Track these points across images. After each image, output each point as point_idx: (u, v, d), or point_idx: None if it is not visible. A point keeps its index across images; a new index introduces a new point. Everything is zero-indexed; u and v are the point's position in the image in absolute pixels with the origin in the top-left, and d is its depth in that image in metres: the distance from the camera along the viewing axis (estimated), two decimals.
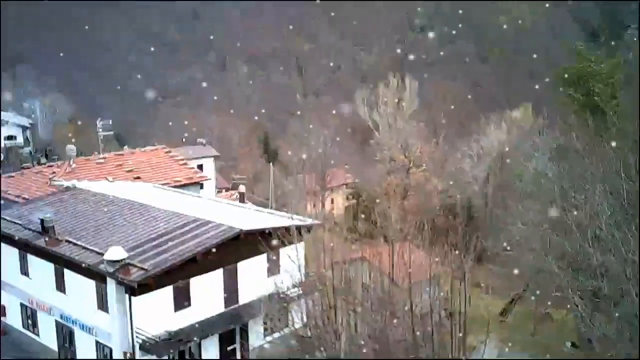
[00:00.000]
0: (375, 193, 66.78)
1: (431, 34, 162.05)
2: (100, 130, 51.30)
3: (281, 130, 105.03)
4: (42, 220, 26.61)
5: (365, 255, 44.91)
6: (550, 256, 36.60)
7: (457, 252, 66.77)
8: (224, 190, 75.14)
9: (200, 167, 72.43)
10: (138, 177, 36.54)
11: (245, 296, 27.22)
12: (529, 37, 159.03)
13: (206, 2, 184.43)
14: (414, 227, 68.16)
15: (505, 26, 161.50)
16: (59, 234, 26.66)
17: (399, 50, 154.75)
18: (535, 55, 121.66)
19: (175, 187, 36.70)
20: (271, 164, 68.06)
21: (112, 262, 23.68)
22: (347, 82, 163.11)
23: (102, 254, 24.31)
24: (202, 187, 73.55)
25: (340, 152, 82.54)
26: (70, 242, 26.08)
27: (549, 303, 42.21)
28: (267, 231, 26.60)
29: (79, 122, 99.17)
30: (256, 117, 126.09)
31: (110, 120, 63.70)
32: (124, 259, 23.80)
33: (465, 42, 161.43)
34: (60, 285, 26.45)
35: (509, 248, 44.37)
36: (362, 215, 64.97)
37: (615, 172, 26.36)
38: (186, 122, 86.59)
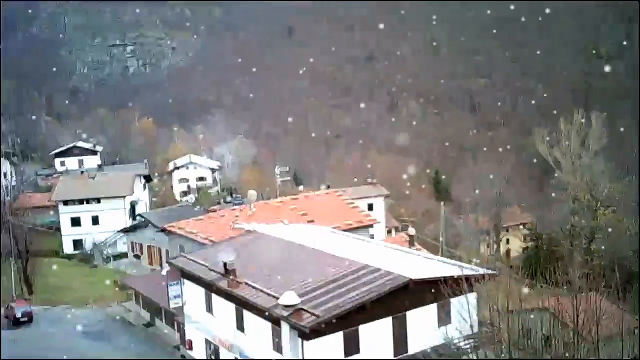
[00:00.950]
0: (557, 235, 62.15)
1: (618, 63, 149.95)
2: (278, 175, 54.05)
3: (454, 168, 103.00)
4: (225, 264, 28.56)
5: (545, 304, 41.74)
6: None
7: None
8: (393, 230, 75.30)
9: (370, 205, 73.69)
10: (311, 220, 37.83)
11: (414, 346, 26.60)
12: None
13: (381, 43, 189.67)
14: (602, 273, 62.14)
15: None
16: (240, 277, 28.38)
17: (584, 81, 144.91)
18: None
19: (346, 230, 37.38)
20: (442, 203, 66.71)
21: (286, 307, 24.55)
22: (524, 117, 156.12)
23: (277, 298, 25.34)
24: (372, 226, 74.57)
25: (516, 191, 78.67)
26: (249, 284, 27.60)
27: None
28: (437, 280, 25.87)
29: (259, 165, 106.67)
30: (426, 157, 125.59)
31: (288, 167, 67.23)
32: (297, 304, 24.56)
33: None
34: (240, 325, 28.04)
35: None
36: (542, 259, 60.75)
37: None
38: (357, 162, 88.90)
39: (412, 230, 43.68)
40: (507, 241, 79.06)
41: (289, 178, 67.18)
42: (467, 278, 26.76)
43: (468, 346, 26.87)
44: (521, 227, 79.63)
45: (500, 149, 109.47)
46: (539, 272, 61.87)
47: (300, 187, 78.23)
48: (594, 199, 59.55)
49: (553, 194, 63.30)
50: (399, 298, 25.75)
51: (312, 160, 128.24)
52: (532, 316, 41.07)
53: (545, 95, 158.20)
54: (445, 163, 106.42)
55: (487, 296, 32.53)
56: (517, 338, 41.40)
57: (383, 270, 26.76)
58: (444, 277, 26.12)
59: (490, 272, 28.55)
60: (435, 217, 72.36)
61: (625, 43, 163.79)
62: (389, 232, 74.04)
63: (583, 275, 63.30)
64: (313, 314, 24.11)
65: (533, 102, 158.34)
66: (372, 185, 75.32)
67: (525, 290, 58.46)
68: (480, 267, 29.65)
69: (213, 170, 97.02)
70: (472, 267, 28.92)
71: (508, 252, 78.96)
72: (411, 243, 42.58)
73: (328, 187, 74.76)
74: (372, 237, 72.29)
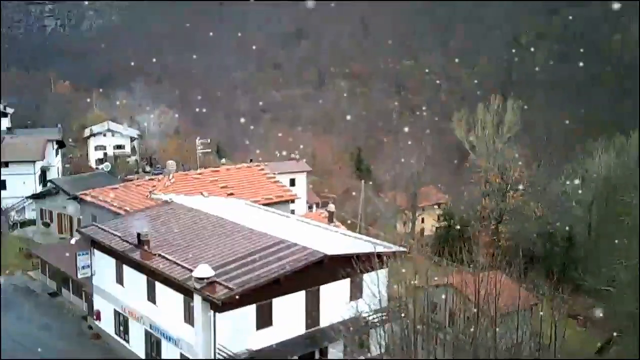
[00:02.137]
0: (468, 216, 64.78)
1: (539, 53, 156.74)
2: (199, 147, 53.19)
3: (376, 147, 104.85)
4: (138, 235, 27.94)
5: (452, 281, 43.67)
6: None
7: (552, 281, 63.26)
8: (314, 206, 76.03)
9: (292, 181, 73.97)
10: (231, 194, 37.57)
11: (326, 319, 27.14)
12: None
13: (312, 22, 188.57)
14: (507, 253, 65.53)
15: (619, 46, 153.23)
16: (153, 248, 27.86)
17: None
18: None
19: (266, 204, 37.39)
20: (362, 182, 67.97)
21: (200, 280, 24.38)
22: (447, 100, 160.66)
23: (191, 270, 25.11)
24: (292, 201, 74.83)
25: (434, 172, 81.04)
26: (162, 256, 27.15)
27: None
28: (351, 256, 26.44)
29: (182, 136, 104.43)
30: (351, 136, 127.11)
31: (209, 140, 66.14)
32: (211, 276, 24.44)
33: (575, 61, 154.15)
34: (151, 297, 27.61)
35: (610, 287, 41.57)
36: (452, 239, 63.23)
37: None
38: (281, 136, 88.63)
39: (331, 207, 44.24)
40: (422, 220, 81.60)
41: (209, 150, 66.17)
42: (380, 255, 27.51)
43: (377, 320, 27.70)
44: (436, 207, 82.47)
45: (421, 131, 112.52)
46: (448, 251, 64.66)
47: (223, 160, 77.55)
48: (504, 182, 62.35)
49: (470, 178, 65.78)
50: (314, 273, 26.13)
51: (237, 134, 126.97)
52: (438, 292, 43.04)
53: (471, 80, 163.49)
54: (368, 142, 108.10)
55: (396, 273, 33.63)
56: (423, 312, 43.19)
57: (299, 245, 27.02)
58: (358, 254, 26.73)
59: (401, 249, 29.42)
60: (355, 196, 73.64)
61: (544, 32, 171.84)
62: (310, 207, 74.71)
63: (488, 254, 66.52)
64: (227, 287, 24.08)
65: (456, 87, 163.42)
66: (295, 161, 75.63)
67: (433, 267, 60.92)
68: (393, 245, 30.48)
69: (132, 139, 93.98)
70: (385, 244, 29.72)
71: (422, 230, 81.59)
72: (330, 219, 43.18)
73: (251, 161, 74.47)
74: (292, 212, 72.72)
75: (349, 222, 73.30)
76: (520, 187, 60.43)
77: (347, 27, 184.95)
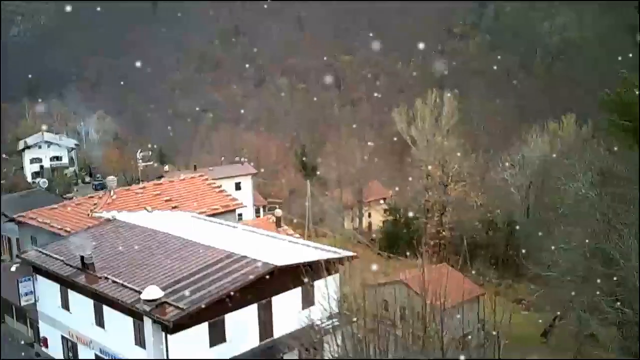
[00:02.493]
0: (413, 209, 66.22)
1: (471, 43, 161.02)
2: (140, 160, 52.15)
3: (320, 144, 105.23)
4: (82, 257, 27.28)
5: (402, 277, 44.62)
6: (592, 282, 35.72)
7: (495, 268, 65.58)
8: (261, 209, 75.85)
9: (238, 184, 73.57)
10: (176, 207, 37.11)
11: (280, 330, 27.27)
12: (575, 44, 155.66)
13: (249, 19, 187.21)
14: (452, 243, 67.54)
15: (549, 34, 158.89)
16: (99, 270, 27.26)
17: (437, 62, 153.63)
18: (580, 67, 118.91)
19: (212, 215, 37.13)
20: (308, 181, 68.31)
21: (149, 302, 24.04)
22: (386, 93, 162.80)
23: (140, 292, 24.73)
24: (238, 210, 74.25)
25: (378, 167, 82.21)
26: (109, 279, 26.62)
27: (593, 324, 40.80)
28: (301, 265, 26.64)
29: (122, 142, 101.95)
30: (294, 133, 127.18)
31: (150, 152, 65.02)
32: (160, 298, 24.14)
33: (507, 50, 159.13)
34: (100, 321, 27.03)
35: (550, 271, 43.27)
36: (399, 232, 64.54)
37: None
38: (225, 139, 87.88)
39: (278, 212, 44.33)
40: (369, 215, 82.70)
41: (151, 163, 64.94)
42: (329, 261, 27.84)
43: (330, 326, 28.03)
44: (382, 201, 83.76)
45: (363, 126, 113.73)
46: (397, 245, 66.01)
47: (166, 168, 76.15)
48: (445, 175, 64.07)
49: (410, 170, 67.16)
50: (264, 285, 26.16)
51: (178, 136, 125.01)
52: (389, 290, 43.89)
53: (409, 74, 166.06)
54: (312, 139, 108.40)
55: (349, 276, 34.12)
56: (376, 310, 43.97)
57: (248, 258, 26.98)
58: (308, 262, 26.98)
59: (350, 254, 29.83)
60: (302, 194, 73.96)
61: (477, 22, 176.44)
62: (257, 211, 74.57)
63: (435, 245, 68.26)
64: (177, 307, 23.83)
65: (394, 80, 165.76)
66: (240, 164, 75.21)
67: (383, 261, 61.95)
68: (342, 250, 30.87)
69: (70, 149, 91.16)
70: (334, 250, 30.03)
71: (370, 224, 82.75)
72: (278, 224, 43.28)
73: (195, 167, 73.60)
74: (240, 216, 72.40)
75: (295, 221, 73.63)
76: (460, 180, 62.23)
77: (283, 25, 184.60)
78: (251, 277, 25.57)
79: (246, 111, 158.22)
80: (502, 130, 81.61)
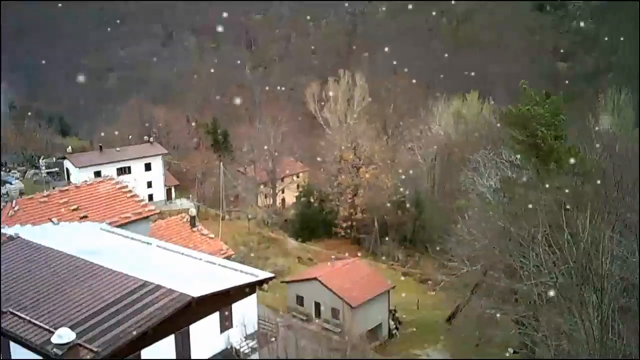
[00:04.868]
0: (326, 193, 67.23)
1: (382, 8, 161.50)
2: (43, 168, 49.29)
3: (232, 115, 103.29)
4: None
5: (316, 274, 45.77)
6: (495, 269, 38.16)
7: (404, 247, 67.87)
8: (172, 189, 74.03)
9: (148, 165, 71.41)
10: (85, 216, 35.64)
11: (198, 357, 27.33)
12: (477, 8, 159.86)
13: None
14: (364, 224, 69.21)
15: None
16: (3, 302, 25.93)
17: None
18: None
19: (124, 224, 36.05)
20: (221, 163, 67.31)
21: (60, 345, 23.26)
22: (299, 54, 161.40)
23: (49, 330, 23.85)
24: (150, 185, 72.15)
25: (291, 143, 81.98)
26: (14, 314, 25.42)
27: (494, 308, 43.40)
28: (219, 293, 26.67)
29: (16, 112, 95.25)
30: (204, 102, 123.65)
31: (45, 162, 61.34)
32: (72, 340, 23.41)
33: (416, 16, 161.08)
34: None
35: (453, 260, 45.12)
36: (313, 214, 65.60)
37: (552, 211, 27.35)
38: (133, 113, 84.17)
39: (192, 211, 43.68)
40: (283, 191, 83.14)
41: (55, 175, 61.18)
42: (247, 286, 28.04)
43: (248, 349, 28.46)
44: (295, 177, 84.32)
45: (275, 93, 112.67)
46: (311, 228, 66.86)
47: (69, 149, 71.65)
48: (357, 157, 65.23)
49: (324, 153, 67.74)
50: (181, 316, 25.99)
51: (82, 101, 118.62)
52: (305, 286, 45.01)
53: (321, 34, 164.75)
54: (224, 110, 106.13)
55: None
56: (294, 306, 45.03)
57: (164, 288, 26.56)
58: (227, 289, 27.02)
59: (268, 276, 30.04)
60: (215, 172, 72.84)
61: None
62: (169, 191, 72.91)
63: (347, 227, 69.62)
64: (91, 350, 23.26)
65: (306, 41, 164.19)
66: (149, 144, 72.78)
67: (298, 248, 62.38)
68: (260, 271, 31.02)
69: None
70: (252, 272, 30.07)
71: (284, 200, 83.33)
72: (192, 224, 42.76)
73: (101, 147, 70.47)
74: (150, 196, 70.26)
75: (211, 203, 72.77)
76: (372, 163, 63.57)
77: None
78: (168, 312, 25.28)
79: (154, 72, 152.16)
80: (409, 103, 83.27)
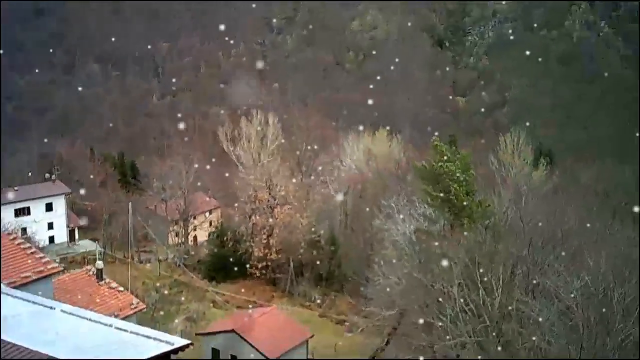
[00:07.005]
0: (240, 232, 66.12)
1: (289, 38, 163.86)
2: None
3: (141, 148, 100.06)
4: None
5: (232, 325, 44.60)
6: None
7: (320, 286, 67.33)
8: (76, 230, 70.04)
9: (49, 205, 67.45)
10: None
11: None
12: (382, 44, 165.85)
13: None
14: (279, 265, 68.23)
15: (359, 31, 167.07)
16: None
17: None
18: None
19: (23, 284, 33.48)
20: (130, 204, 64.59)
21: None
22: (208, 84, 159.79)
23: None
24: (51, 226, 68.12)
25: (205, 178, 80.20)
26: None
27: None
28: None
29: None
30: (112, 129, 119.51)
31: None
32: None
33: (321, 47, 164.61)
34: None
35: (370, 305, 45.44)
36: (227, 256, 64.16)
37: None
38: (32, 151, 79.43)
39: (99, 264, 41.22)
40: (195, 228, 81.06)
41: None
42: (164, 355, 26.72)
43: None
44: (207, 214, 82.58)
45: (186, 120, 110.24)
46: (224, 269, 65.39)
47: None
48: (272, 197, 64.71)
49: (238, 193, 66.83)
50: None
51: None
52: (221, 338, 43.67)
53: (230, 64, 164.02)
54: (132, 141, 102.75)
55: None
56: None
57: None
58: None
59: (185, 342, 28.76)
60: (124, 210, 69.59)
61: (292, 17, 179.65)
62: (72, 232, 69.02)
63: (262, 267, 68.35)
64: None
65: (215, 71, 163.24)
66: (52, 183, 68.80)
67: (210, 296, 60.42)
68: (176, 337, 29.64)
69: None
70: (167, 340, 28.63)
71: (195, 239, 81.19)
72: (99, 276, 40.49)
73: None
74: (51, 239, 66.35)
75: (113, 249, 69.58)
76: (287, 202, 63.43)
77: (95, 5, 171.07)
78: None
79: (54, 101, 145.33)
80: (322, 139, 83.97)
